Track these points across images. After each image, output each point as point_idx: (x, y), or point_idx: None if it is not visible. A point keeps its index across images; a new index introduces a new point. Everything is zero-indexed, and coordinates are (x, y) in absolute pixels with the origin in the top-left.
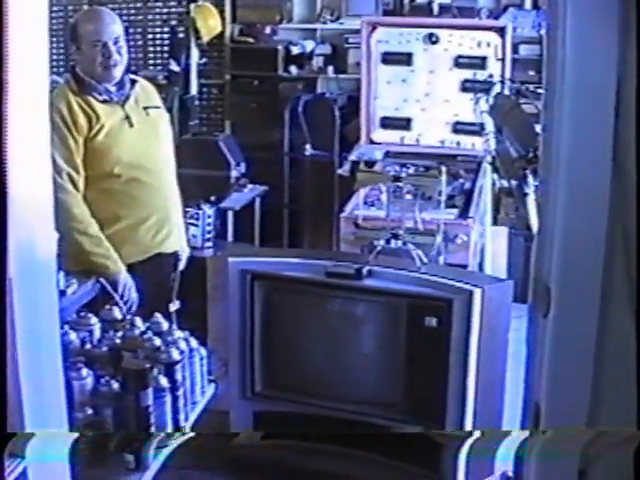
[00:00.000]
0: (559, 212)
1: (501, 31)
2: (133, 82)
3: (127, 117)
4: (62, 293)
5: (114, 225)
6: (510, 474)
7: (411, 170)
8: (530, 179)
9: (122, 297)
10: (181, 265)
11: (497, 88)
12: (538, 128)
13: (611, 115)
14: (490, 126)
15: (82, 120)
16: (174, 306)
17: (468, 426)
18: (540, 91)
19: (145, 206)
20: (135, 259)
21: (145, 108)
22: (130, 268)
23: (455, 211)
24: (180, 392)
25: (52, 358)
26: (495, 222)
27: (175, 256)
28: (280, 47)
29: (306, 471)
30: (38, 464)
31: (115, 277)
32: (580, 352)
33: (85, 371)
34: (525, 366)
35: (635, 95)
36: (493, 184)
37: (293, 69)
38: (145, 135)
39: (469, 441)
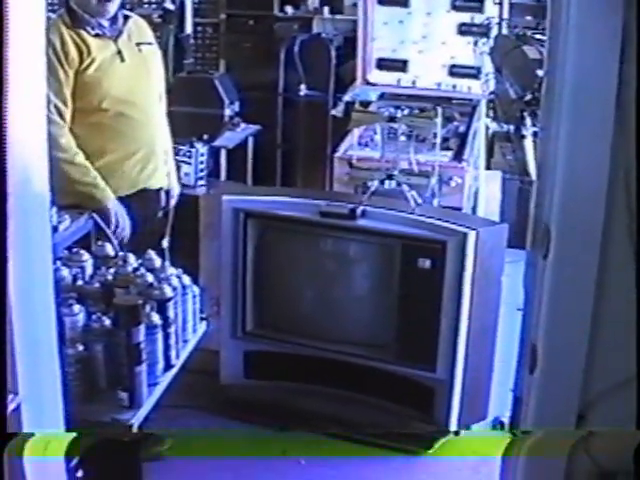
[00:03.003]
0: (560, 153)
1: None
2: (126, 18)
3: (119, 52)
4: (54, 229)
5: (101, 159)
6: (503, 419)
7: (406, 111)
8: (528, 121)
9: (113, 226)
10: (172, 202)
11: (496, 29)
12: (538, 72)
13: (616, 57)
14: (489, 67)
15: (73, 53)
16: (166, 242)
17: (459, 368)
18: (539, 37)
19: (132, 141)
20: (121, 193)
21: (138, 44)
22: None
23: (449, 153)
24: (172, 329)
25: (45, 297)
26: (489, 166)
27: (162, 192)
28: None
29: (296, 412)
30: (36, 464)
31: (104, 206)
32: (579, 293)
33: (77, 307)
34: (523, 307)
35: None
36: (487, 128)
37: (289, 9)
38: (136, 71)
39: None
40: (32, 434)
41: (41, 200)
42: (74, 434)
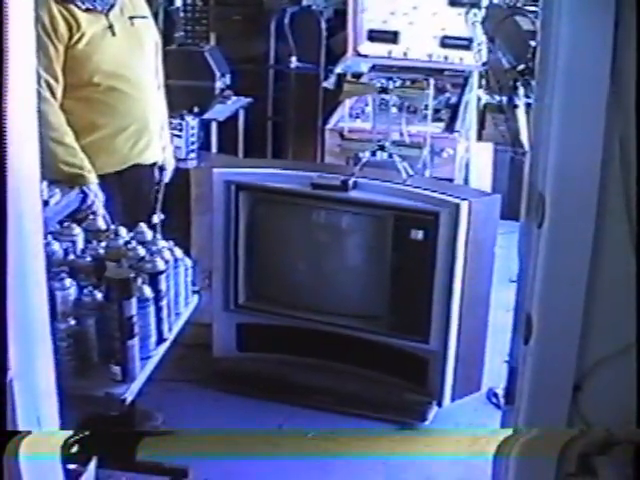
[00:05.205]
0: (555, 122)
1: None
2: None
3: (110, 26)
4: (45, 203)
5: (91, 134)
6: (497, 390)
7: (397, 83)
8: (521, 91)
9: (85, 206)
10: (166, 178)
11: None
12: (531, 42)
13: (610, 26)
14: (481, 38)
15: (63, 28)
16: (157, 218)
17: (452, 339)
18: (531, 8)
19: (124, 116)
20: (112, 169)
21: (131, 18)
22: (107, 178)
23: (441, 125)
24: (164, 302)
25: (37, 270)
26: (480, 138)
27: (156, 168)
28: None
29: (289, 384)
30: (33, 463)
31: (86, 187)
32: (574, 262)
33: (68, 281)
34: (517, 277)
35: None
36: (479, 99)
37: None
38: (128, 45)
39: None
40: (29, 432)
41: (32, 174)
42: (70, 432)
